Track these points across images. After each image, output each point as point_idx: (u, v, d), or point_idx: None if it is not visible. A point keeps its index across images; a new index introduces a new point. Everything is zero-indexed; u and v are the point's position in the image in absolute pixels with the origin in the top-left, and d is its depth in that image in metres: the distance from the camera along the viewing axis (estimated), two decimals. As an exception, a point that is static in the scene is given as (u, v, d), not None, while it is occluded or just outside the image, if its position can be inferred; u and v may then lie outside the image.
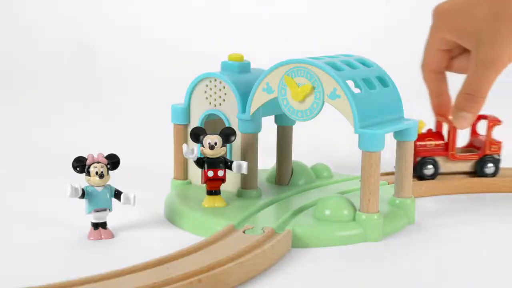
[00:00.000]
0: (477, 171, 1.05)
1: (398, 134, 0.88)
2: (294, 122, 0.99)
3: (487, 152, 1.04)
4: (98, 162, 0.82)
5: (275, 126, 1.00)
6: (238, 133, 0.91)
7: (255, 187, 0.93)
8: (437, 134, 1.04)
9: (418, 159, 1.02)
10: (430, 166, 1.02)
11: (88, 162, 0.82)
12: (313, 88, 0.84)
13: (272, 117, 0.99)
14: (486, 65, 0.90)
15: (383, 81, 0.90)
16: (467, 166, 1.05)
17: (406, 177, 0.89)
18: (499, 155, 1.04)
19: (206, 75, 0.94)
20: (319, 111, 0.85)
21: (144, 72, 2.00)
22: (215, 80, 0.93)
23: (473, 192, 1.05)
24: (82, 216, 0.85)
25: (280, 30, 2.10)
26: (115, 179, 0.83)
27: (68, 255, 0.78)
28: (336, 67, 0.85)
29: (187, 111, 0.96)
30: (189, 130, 0.92)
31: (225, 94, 0.93)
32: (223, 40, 2.01)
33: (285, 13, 2.16)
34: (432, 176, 1.03)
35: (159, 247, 0.79)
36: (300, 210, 0.89)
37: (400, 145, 0.89)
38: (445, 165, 1.04)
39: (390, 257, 0.79)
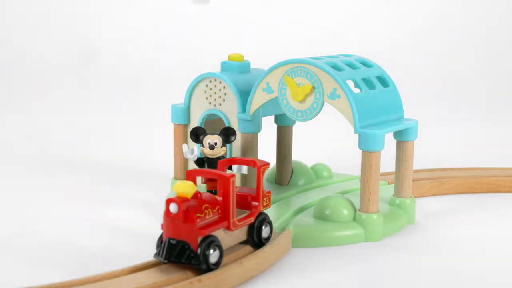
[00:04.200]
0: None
1: (398, 134, 0.88)
2: (294, 122, 0.99)
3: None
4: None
5: (275, 126, 1.00)
6: (238, 133, 0.91)
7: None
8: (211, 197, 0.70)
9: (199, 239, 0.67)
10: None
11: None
12: (313, 88, 0.84)
13: (272, 117, 0.99)
14: None
15: (383, 81, 0.90)
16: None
17: (406, 177, 0.89)
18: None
19: (206, 75, 0.94)
20: (319, 111, 0.85)
21: (144, 72, 2.00)
22: (215, 80, 0.93)
23: (473, 192, 1.05)
24: (82, 216, 0.85)
25: (280, 30, 2.09)
26: (115, 179, 0.83)
27: (68, 255, 0.78)
28: (336, 67, 0.85)
29: (187, 111, 0.96)
30: (189, 130, 0.92)
31: (225, 94, 0.93)
32: (223, 40, 2.01)
33: (285, 13, 2.16)
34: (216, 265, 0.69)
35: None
36: (300, 210, 0.89)
37: (400, 145, 0.89)
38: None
39: (390, 257, 0.79)
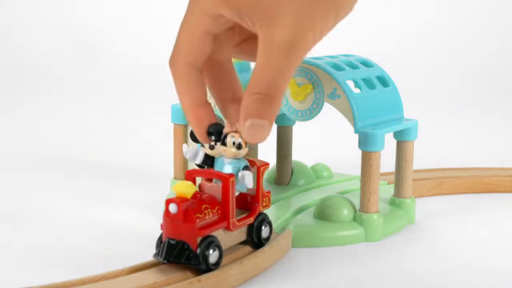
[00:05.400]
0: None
1: (398, 134, 0.88)
2: (294, 122, 0.98)
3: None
4: (236, 132, 0.70)
5: (275, 126, 0.99)
6: (238, 133, 0.90)
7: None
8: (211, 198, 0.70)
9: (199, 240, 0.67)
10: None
11: (225, 131, 0.71)
12: (313, 88, 0.84)
13: (272, 117, 0.99)
14: (282, 50, 0.61)
15: (383, 81, 0.90)
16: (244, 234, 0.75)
17: (406, 177, 0.89)
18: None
19: (206, 75, 0.93)
20: (319, 111, 0.85)
21: (144, 72, 2.00)
22: (215, 80, 0.93)
23: (473, 192, 1.05)
24: (82, 216, 0.85)
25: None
26: (115, 179, 0.83)
27: (68, 255, 0.78)
28: (336, 67, 0.85)
29: (187, 111, 0.95)
30: (189, 130, 0.91)
31: (225, 94, 0.92)
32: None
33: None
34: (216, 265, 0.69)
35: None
36: (300, 210, 0.89)
37: (400, 145, 0.89)
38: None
39: (390, 257, 0.79)
